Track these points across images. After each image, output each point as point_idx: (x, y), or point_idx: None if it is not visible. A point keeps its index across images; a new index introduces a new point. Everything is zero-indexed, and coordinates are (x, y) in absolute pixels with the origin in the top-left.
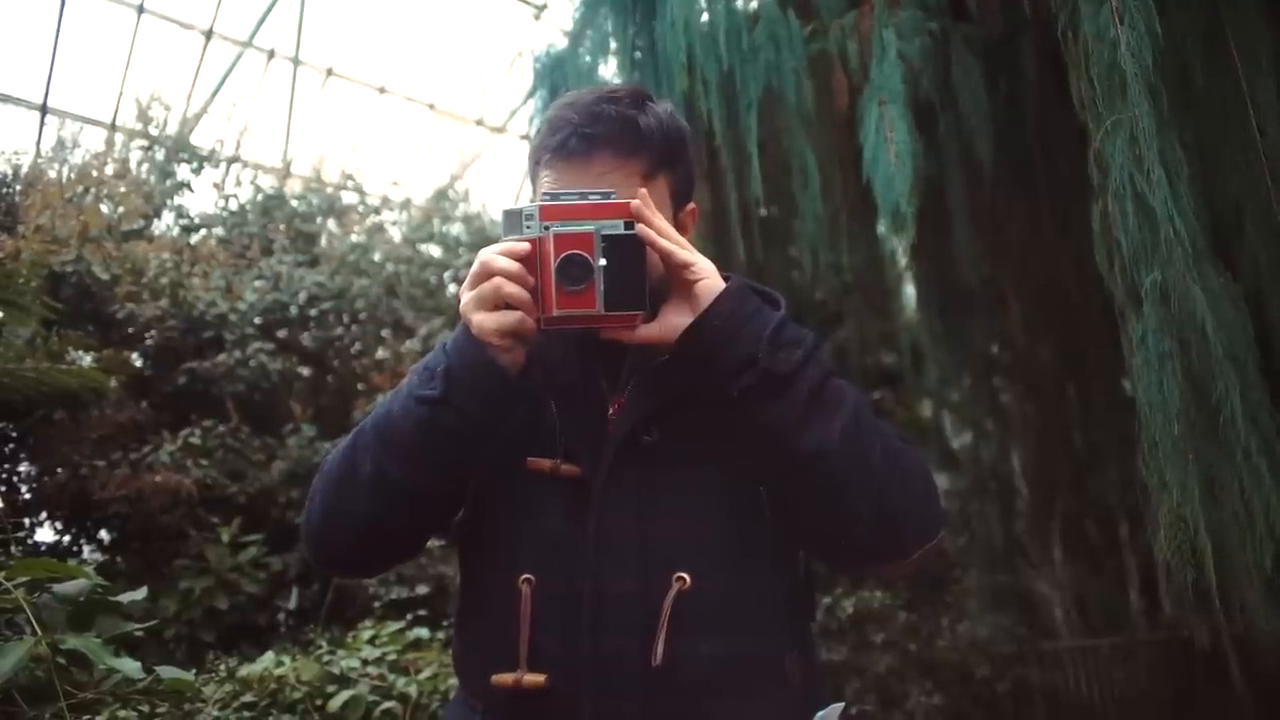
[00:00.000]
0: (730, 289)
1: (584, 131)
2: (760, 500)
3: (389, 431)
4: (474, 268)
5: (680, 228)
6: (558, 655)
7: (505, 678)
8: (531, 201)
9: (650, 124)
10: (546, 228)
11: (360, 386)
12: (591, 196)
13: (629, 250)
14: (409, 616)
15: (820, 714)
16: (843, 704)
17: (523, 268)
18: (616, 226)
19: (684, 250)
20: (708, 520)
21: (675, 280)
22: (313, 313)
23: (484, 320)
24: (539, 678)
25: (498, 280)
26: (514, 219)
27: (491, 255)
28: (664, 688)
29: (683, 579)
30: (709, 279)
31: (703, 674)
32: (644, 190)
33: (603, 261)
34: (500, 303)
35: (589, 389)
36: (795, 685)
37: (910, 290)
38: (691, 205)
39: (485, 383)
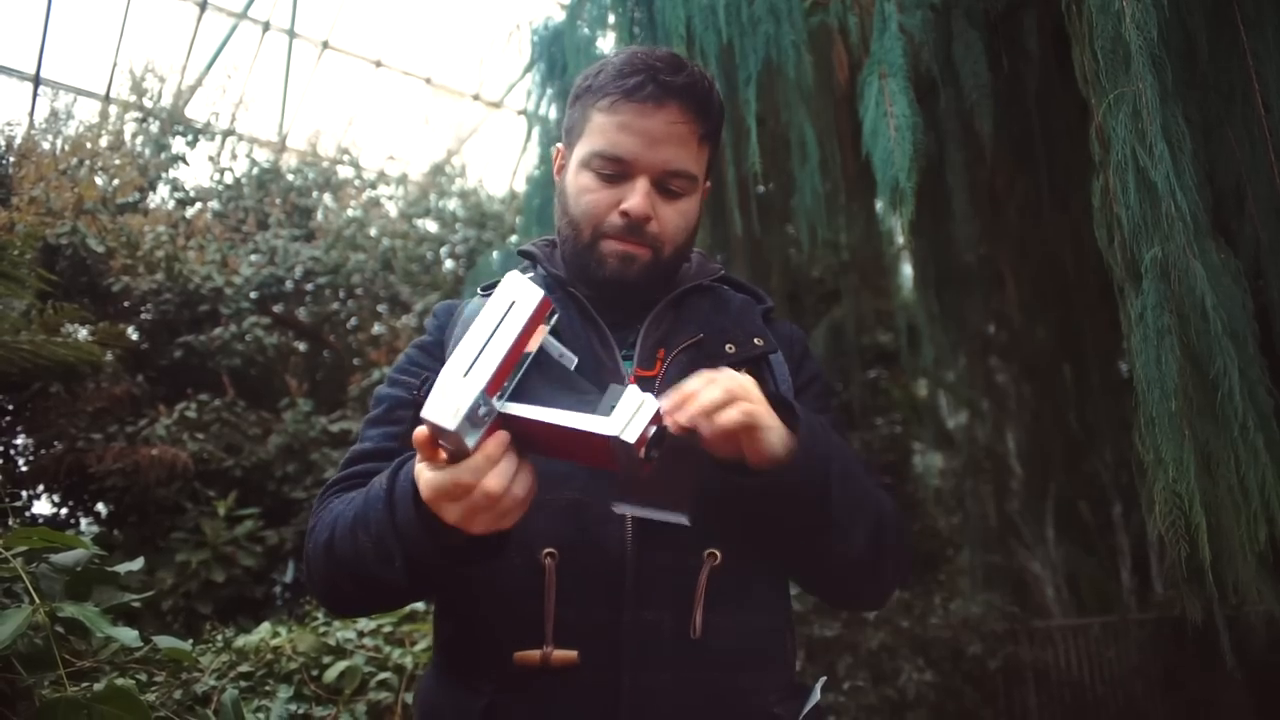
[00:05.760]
0: (804, 442)
1: (664, 79)
2: None
3: (364, 572)
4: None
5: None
6: (587, 629)
7: (530, 655)
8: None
9: (715, 92)
10: None
11: (356, 361)
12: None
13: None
14: None
15: (818, 684)
16: (825, 677)
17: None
18: None
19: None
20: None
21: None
22: (308, 287)
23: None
24: (570, 654)
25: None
26: None
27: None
28: (697, 660)
29: (714, 554)
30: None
31: (729, 647)
32: (738, 381)
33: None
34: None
35: (605, 361)
36: (789, 658)
37: (908, 269)
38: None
39: (459, 563)
